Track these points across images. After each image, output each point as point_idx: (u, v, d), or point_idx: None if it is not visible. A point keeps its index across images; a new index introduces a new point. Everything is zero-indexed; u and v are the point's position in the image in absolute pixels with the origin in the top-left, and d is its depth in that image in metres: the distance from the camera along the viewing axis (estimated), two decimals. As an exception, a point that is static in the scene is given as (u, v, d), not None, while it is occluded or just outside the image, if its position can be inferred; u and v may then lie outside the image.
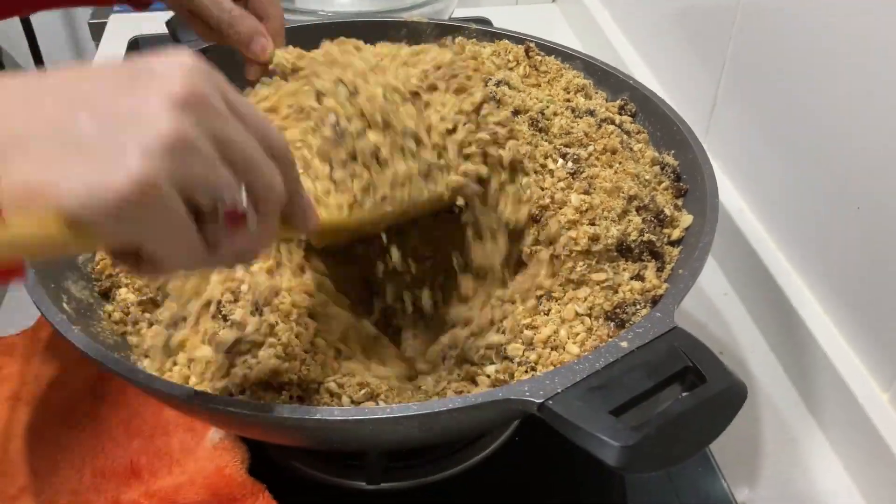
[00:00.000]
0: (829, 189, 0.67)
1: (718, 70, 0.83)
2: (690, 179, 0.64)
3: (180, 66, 0.34)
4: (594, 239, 0.55)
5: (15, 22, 1.61)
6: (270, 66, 0.63)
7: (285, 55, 0.60)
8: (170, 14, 1.01)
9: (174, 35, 0.74)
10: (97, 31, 1.23)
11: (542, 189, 0.57)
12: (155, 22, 1.11)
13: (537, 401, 0.43)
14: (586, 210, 0.56)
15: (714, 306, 0.81)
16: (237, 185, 0.36)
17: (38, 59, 1.64)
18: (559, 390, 0.43)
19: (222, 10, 0.62)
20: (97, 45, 1.21)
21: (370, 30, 0.79)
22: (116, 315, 0.58)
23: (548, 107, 0.63)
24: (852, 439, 0.64)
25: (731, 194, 0.82)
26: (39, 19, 1.60)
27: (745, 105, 0.80)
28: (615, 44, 1.08)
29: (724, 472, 0.63)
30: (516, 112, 0.60)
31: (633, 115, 0.70)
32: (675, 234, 0.60)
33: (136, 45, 1.15)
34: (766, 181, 0.78)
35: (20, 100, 0.33)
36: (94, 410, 0.65)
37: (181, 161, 0.33)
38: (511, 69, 0.70)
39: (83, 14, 1.61)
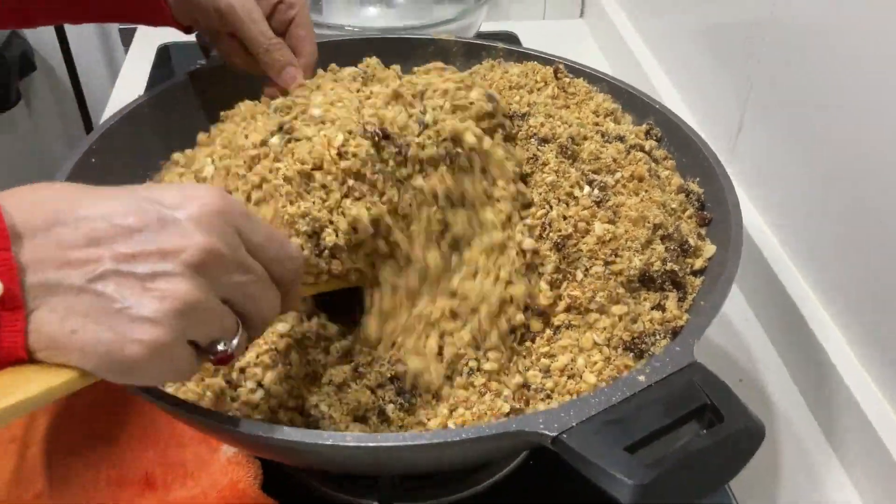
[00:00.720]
0: (858, 217, 0.66)
1: (745, 91, 0.82)
2: (715, 208, 0.63)
3: (202, 211, 0.38)
4: (617, 273, 0.55)
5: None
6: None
7: None
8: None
9: (204, 48, 0.75)
10: (127, 38, 1.24)
11: (566, 217, 0.57)
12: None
13: (551, 434, 0.42)
14: (610, 240, 0.56)
15: (735, 331, 0.80)
16: (233, 327, 0.40)
17: (69, 64, 1.66)
18: (574, 424, 0.43)
19: (265, 37, 0.66)
20: (126, 51, 1.22)
21: (397, 47, 0.80)
22: None
23: (578, 132, 0.63)
24: (873, 476, 0.63)
25: (754, 218, 0.82)
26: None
27: (771, 127, 0.79)
28: (641, 61, 1.07)
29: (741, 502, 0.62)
30: (544, 140, 0.60)
31: (658, 140, 0.70)
32: (698, 263, 0.59)
33: (166, 52, 1.17)
34: (792, 206, 0.77)
35: (53, 244, 0.35)
36: (111, 419, 0.65)
37: (189, 321, 0.37)
38: (539, 90, 0.69)
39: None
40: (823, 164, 0.70)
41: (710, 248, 0.60)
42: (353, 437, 0.42)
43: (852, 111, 0.65)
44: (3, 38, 1.58)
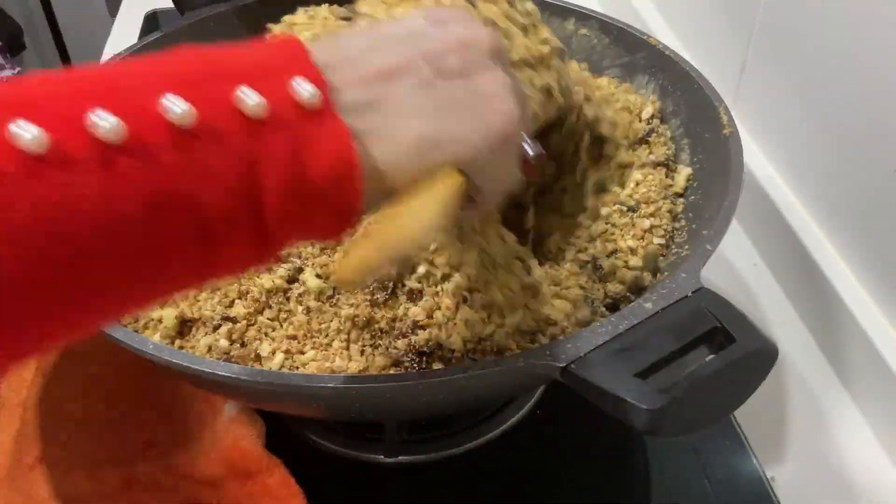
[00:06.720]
0: (864, 154, 0.64)
1: (748, 31, 0.80)
2: (713, 139, 0.62)
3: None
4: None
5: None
6: None
7: None
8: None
9: (178, 4, 0.73)
10: (114, 6, 1.22)
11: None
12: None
13: (560, 365, 0.41)
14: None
15: (742, 277, 0.78)
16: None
17: (56, 35, 1.65)
18: (582, 353, 0.41)
19: None
20: (113, 19, 1.20)
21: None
22: None
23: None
24: (885, 411, 0.62)
25: (760, 161, 0.80)
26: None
27: (776, 68, 0.77)
28: (636, 3, 1.04)
29: (752, 444, 0.61)
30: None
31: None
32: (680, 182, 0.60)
33: (154, 18, 1.14)
34: (798, 147, 0.75)
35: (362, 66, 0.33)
36: (112, 382, 0.64)
37: (523, 107, 0.36)
38: None
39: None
40: (832, 105, 0.68)
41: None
42: (356, 379, 0.41)
43: (862, 50, 0.64)
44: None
